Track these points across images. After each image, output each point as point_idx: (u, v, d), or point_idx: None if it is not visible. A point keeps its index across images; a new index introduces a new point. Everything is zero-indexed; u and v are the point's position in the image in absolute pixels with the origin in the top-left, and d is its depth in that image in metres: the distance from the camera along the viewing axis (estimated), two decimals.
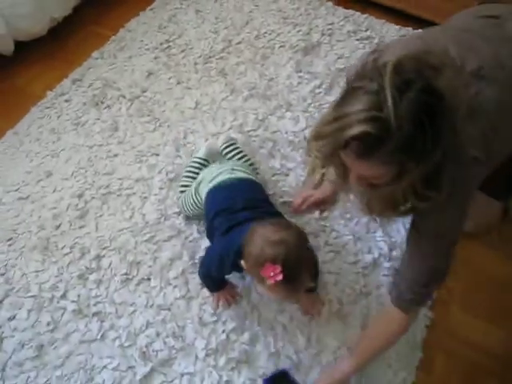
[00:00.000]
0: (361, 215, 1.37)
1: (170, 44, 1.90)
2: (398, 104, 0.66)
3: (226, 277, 1.21)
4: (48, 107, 1.71)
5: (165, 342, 1.18)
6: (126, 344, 1.17)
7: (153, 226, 1.37)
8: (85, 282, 1.28)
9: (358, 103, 0.69)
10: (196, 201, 1.28)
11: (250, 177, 1.27)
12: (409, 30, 1.97)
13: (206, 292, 1.25)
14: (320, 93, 1.71)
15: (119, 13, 2.07)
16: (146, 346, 1.17)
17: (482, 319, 1.28)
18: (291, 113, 1.65)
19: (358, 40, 1.91)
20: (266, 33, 1.93)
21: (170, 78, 1.77)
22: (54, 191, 1.47)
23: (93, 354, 1.17)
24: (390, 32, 1.96)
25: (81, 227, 1.39)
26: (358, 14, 2.03)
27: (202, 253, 1.32)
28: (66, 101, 1.73)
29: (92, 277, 1.29)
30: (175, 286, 1.26)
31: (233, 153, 1.42)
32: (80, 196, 1.45)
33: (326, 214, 1.40)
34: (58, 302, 1.24)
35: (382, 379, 1.15)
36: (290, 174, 1.50)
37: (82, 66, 1.84)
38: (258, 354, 1.17)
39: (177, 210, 1.40)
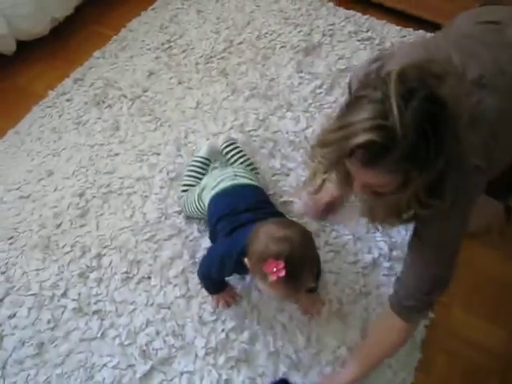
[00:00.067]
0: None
1: (172, 44, 1.90)
2: (404, 113, 0.66)
3: (226, 279, 1.21)
4: (49, 106, 1.72)
5: (165, 341, 1.18)
6: (126, 342, 1.18)
7: (153, 224, 1.38)
8: (85, 281, 1.28)
9: (363, 112, 0.69)
10: (199, 207, 1.29)
11: (252, 182, 1.27)
12: (409, 31, 1.97)
13: (205, 291, 1.25)
14: (321, 93, 1.72)
15: (121, 12, 2.08)
16: (146, 345, 1.17)
17: (482, 319, 1.28)
18: (292, 113, 1.66)
19: (358, 41, 1.92)
20: (267, 33, 1.93)
21: (171, 78, 1.78)
22: (55, 190, 1.47)
23: (93, 352, 1.17)
24: (391, 33, 1.97)
25: (81, 226, 1.39)
26: (359, 14, 2.04)
27: (202, 252, 1.32)
28: (68, 100, 1.73)
29: (92, 275, 1.29)
30: (175, 285, 1.27)
31: (232, 152, 1.42)
32: (81, 195, 1.45)
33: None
34: (58, 301, 1.25)
35: (381, 379, 1.15)
36: (291, 174, 1.50)
37: (84, 65, 1.85)
38: (257, 353, 1.17)
39: (177, 208, 1.41)
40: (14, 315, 1.23)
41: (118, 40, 1.94)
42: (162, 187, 1.46)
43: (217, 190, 1.23)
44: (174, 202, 1.43)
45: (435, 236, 0.88)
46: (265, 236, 0.95)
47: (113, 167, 1.52)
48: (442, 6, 1.88)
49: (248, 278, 1.27)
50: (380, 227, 0.97)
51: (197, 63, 1.83)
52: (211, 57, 1.85)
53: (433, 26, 1.89)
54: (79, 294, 1.26)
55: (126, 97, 1.72)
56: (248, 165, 1.41)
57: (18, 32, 1.76)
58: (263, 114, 1.65)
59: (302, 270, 0.93)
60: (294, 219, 1.38)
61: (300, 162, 1.52)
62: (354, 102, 0.74)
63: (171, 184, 1.47)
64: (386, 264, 1.32)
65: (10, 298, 1.26)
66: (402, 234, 1.37)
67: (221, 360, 1.16)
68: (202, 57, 1.85)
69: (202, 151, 1.44)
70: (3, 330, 1.20)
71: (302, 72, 1.79)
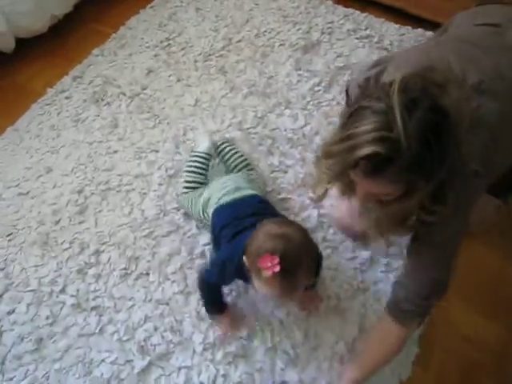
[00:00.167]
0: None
1: (170, 42, 1.91)
2: (408, 123, 0.66)
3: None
4: (48, 104, 1.72)
5: (163, 336, 1.19)
6: (125, 338, 1.18)
7: (152, 221, 1.38)
8: (84, 277, 1.29)
9: (367, 123, 0.69)
10: (204, 218, 1.29)
11: (253, 192, 1.26)
12: (408, 29, 1.98)
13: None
14: (319, 91, 1.72)
15: (120, 10, 2.08)
16: (144, 340, 1.18)
17: (479, 315, 1.28)
18: (290, 110, 1.66)
19: (357, 39, 1.92)
20: (265, 31, 1.94)
21: (169, 76, 1.78)
22: (53, 187, 1.48)
23: (91, 347, 1.18)
24: (390, 31, 1.97)
25: (80, 223, 1.39)
26: (358, 12, 2.04)
27: (200, 248, 1.33)
28: (67, 98, 1.74)
29: (91, 271, 1.29)
30: (173, 281, 1.27)
31: (228, 149, 1.43)
32: (80, 192, 1.45)
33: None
34: (57, 297, 1.25)
35: (379, 374, 1.15)
36: (289, 171, 1.50)
37: (83, 63, 1.85)
38: (254, 349, 1.18)
39: (176, 205, 1.41)
40: (13, 311, 1.23)
41: (116, 38, 1.95)
42: (160, 184, 1.46)
43: (220, 203, 1.23)
44: (172, 198, 1.43)
45: (435, 240, 0.89)
46: (262, 234, 0.95)
47: (111, 164, 1.52)
48: (441, 4, 1.88)
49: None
50: (387, 239, 0.97)
51: (195, 61, 1.83)
52: (210, 54, 1.85)
53: (431, 25, 1.89)
54: (78, 290, 1.26)
55: (124, 94, 1.72)
56: (242, 161, 1.41)
57: (17, 29, 1.77)
58: (261, 112, 1.65)
59: (298, 267, 0.92)
60: (292, 215, 1.39)
61: (298, 159, 1.52)
62: (356, 112, 0.73)
63: (170, 181, 1.47)
64: (384, 261, 1.33)
65: (9, 294, 1.26)
66: None
67: (218, 355, 1.16)
68: (200, 54, 1.85)
69: (203, 146, 1.43)
70: (2, 326, 1.21)
71: (300, 70, 1.79)
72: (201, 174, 1.38)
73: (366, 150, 0.68)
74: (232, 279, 1.14)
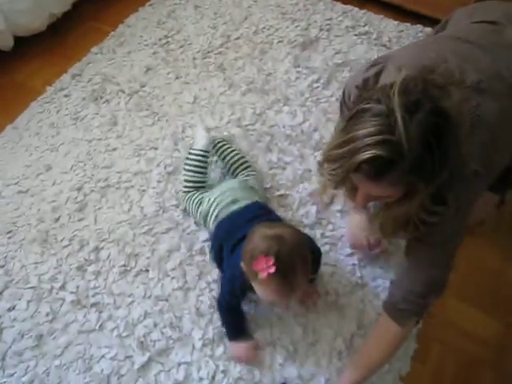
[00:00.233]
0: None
1: (169, 39, 1.91)
2: (409, 126, 0.66)
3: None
4: (47, 102, 1.72)
5: (162, 332, 1.19)
6: (124, 334, 1.19)
7: (151, 218, 1.39)
8: (83, 274, 1.29)
9: (368, 126, 0.69)
10: (205, 227, 1.32)
11: (253, 200, 1.25)
12: (407, 26, 1.98)
13: (203, 283, 1.26)
14: (318, 87, 1.72)
15: (118, 8, 2.08)
16: (144, 336, 1.18)
17: (477, 310, 1.29)
18: (289, 107, 1.66)
19: (356, 35, 1.92)
20: (264, 28, 1.94)
21: (168, 73, 1.78)
22: (53, 184, 1.48)
23: (91, 343, 1.18)
24: (389, 27, 1.97)
25: (80, 220, 1.40)
26: (357, 9, 2.04)
27: (199, 245, 1.33)
28: (66, 96, 1.74)
29: (91, 268, 1.30)
30: (173, 278, 1.28)
31: (224, 147, 1.44)
32: (79, 189, 1.46)
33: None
34: (56, 293, 1.26)
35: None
36: (287, 168, 1.50)
37: (82, 61, 1.85)
38: None
39: (175, 202, 1.42)
40: (14, 308, 1.24)
41: (115, 36, 1.94)
42: (159, 181, 1.47)
43: (218, 220, 1.24)
44: (171, 195, 1.43)
45: (435, 239, 0.89)
46: (256, 237, 0.95)
47: (111, 162, 1.53)
48: (440, 0, 1.88)
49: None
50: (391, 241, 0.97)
51: (194, 58, 1.83)
52: (208, 52, 1.85)
53: (430, 21, 1.89)
54: (77, 287, 1.26)
55: (123, 92, 1.72)
56: (238, 159, 1.41)
57: (16, 28, 1.76)
58: (260, 109, 1.65)
59: (294, 266, 0.92)
60: (291, 212, 1.39)
61: (296, 156, 1.53)
62: (357, 115, 0.73)
63: (168, 178, 1.47)
64: (382, 257, 1.33)
65: (9, 291, 1.26)
66: None
67: (218, 351, 1.17)
68: (199, 52, 1.85)
69: (201, 144, 1.41)
70: (3, 323, 1.21)
71: (299, 66, 1.79)
72: (200, 172, 1.38)
73: (368, 154, 0.68)
74: (244, 294, 1.12)
